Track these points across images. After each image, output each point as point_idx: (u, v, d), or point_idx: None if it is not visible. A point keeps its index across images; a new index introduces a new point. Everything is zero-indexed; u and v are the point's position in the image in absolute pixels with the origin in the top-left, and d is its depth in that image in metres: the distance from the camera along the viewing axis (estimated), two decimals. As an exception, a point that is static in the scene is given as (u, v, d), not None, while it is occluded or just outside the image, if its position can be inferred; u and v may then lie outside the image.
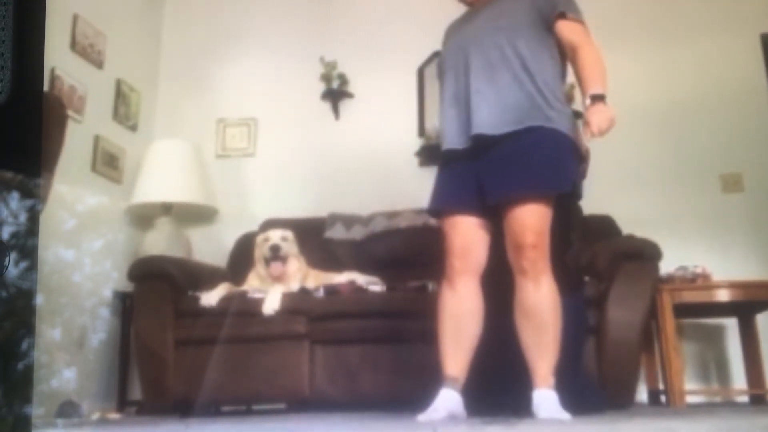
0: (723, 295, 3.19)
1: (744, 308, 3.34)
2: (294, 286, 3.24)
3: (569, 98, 2.80)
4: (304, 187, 4.13)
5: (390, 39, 4.21)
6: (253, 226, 3.71)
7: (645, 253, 2.94)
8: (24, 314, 1.34)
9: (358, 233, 3.76)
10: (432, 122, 3.98)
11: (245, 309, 3.08)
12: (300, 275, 3.32)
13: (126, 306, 3.56)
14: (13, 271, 1.32)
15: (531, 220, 2.14)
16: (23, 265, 1.33)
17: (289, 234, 3.39)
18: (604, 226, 3.43)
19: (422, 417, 2.10)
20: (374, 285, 3.26)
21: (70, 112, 3.41)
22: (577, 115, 2.34)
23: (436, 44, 2.54)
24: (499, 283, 2.21)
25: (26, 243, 1.34)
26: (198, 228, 4.10)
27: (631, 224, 3.35)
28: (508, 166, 2.17)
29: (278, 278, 3.26)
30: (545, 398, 2.08)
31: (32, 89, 1.37)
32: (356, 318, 3.05)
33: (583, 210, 2.61)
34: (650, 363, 3.39)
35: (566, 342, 2.17)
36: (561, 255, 2.29)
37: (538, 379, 2.11)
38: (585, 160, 2.30)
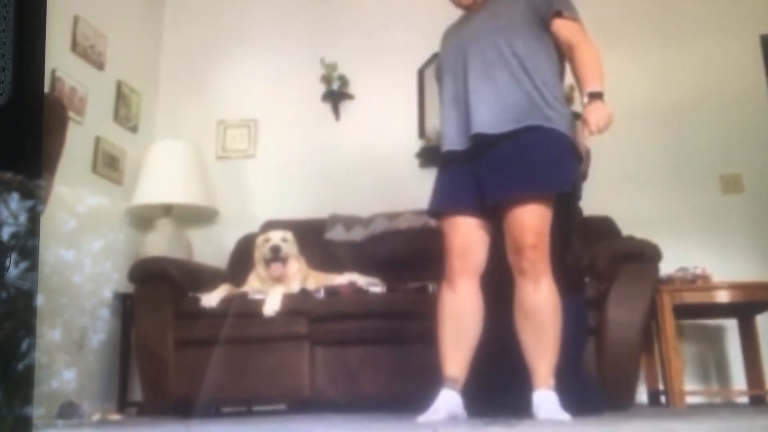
0: (723, 296, 3.20)
1: (744, 309, 3.34)
2: (294, 287, 3.24)
3: (569, 100, 2.80)
4: (305, 189, 4.13)
5: (390, 40, 4.21)
6: (254, 228, 3.71)
7: (645, 254, 2.94)
8: (24, 315, 1.34)
9: (358, 234, 3.76)
10: (432, 123, 3.98)
11: (246, 310, 3.08)
12: (300, 276, 3.32)
13: (126, 307, 3.57)
14: (13, 271, 1.32)
15: (531, 220, 2.14)
16: (23, 265, 1.33)
17: (289, 235, 3.39)
18: (604, 226, 3.44)
19: (422, 418, 2.10)
20: (374, 286, 3.27)
21: (70, 114, 3.41)
22: (577, 116, 2.34)
23: (436, 45, 2.53)
24: (499, 284, 2.21)
25: (27, 244, 1.34)
26: (198, 229, 4.11)
27: (631, 225, 3.35)
28: (507, 166, 2.17)
29: (278, 279, 3.26)
30: (545, 399, 2.08)
31: (33, 90, 1.37)
32: (356, 319, 3.06)
33: (583, 211, 2.61)
34: (650, 364, 3.39)
35: (566, 343, 2.17)
36: (561, 256, 2.29)
37: (538, 380, 2.11)
38: (585, 160, 2.30)
